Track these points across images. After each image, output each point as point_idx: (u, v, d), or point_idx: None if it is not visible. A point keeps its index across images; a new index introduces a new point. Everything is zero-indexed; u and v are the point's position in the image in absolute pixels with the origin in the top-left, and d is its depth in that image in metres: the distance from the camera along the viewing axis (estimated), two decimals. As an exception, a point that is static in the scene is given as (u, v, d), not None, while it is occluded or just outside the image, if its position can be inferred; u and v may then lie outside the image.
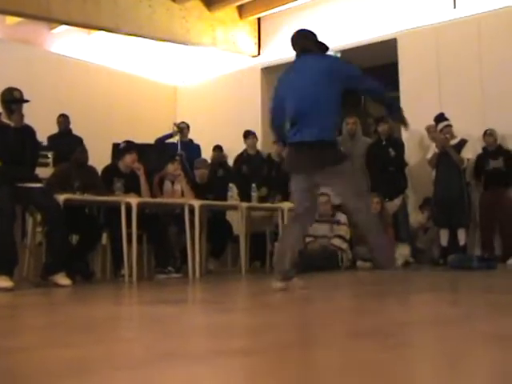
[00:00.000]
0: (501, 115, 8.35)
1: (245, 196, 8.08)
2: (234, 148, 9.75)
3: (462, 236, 8.04)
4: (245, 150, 9.19)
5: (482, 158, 8.28)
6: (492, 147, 8.21)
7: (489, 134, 8.16)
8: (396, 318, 2.94)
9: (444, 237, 8.16)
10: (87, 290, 5.58)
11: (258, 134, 9.71)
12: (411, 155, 9.00)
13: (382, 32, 9.80)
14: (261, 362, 1.83)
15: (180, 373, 1.68)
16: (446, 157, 8.11)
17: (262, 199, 8.25)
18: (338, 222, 7.85)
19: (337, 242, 7.71)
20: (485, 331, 2.41)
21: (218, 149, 9.69)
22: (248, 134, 9.22)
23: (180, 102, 12.28)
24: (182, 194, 7.42)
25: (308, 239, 7.82)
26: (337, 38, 10.27)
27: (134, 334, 2.65)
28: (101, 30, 9.85)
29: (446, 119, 8.25)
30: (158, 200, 7.13)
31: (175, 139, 9.08)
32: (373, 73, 10.73)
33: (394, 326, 2.61)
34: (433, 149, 8.35)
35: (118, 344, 2.29)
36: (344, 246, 7.74)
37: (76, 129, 8.98)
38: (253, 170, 8.87)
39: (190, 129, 9.43)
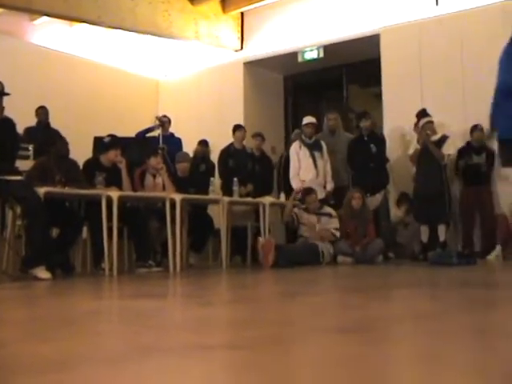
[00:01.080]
0: (482, 111, 8.39)
1: (229, 190, 8.08)
2: (215, 142, 9.74)
3: (441, 232, 8.09)
4: (231, 144, 9.14)
5: (464, 153, 8.32)
6: (478, 143, 8.24)
7: (479, 129, 8.14)
8: (377, 312, 2.94)
9: (424, 232, 8.22)
10: (67, 284, 5.54)
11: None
12: (392, 151, 9.04)
13: (365, 27, 9.83)
14: (242, 357, 1.83)
15: (160, 367, 1.67)
16: (427, 153, 8.15)
17: (247, 195, 8.28)
18: (330, 215, 7.87)
19: (335, 232, 7.80)
20: (463, 325, 2.43)
21: (203, 143, 9.66)
22: (238, 127, 9.18)
23: (162, 95, 12.25)
24: (164, 188, 7.40)
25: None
26: (320, 33, 10.30)
27: (114, 327, 2.63)
28: (83, 22, 9.78)
29: (428, 115, 8.30)
30: (139, 194, 7.10)
31: (156, 133, 9.05)
32: (355, 68, 10.85)
33: (374, 320, 2.62)
34: (414, 145, 8.39)
35: (98, 338, 2.28)
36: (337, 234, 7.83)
37: (56, 121, 8.91)
38: (238, 165, 8.84)
39: (172, 122, 9.39)
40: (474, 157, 8.25)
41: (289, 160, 8.71)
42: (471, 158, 8.26)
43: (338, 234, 7.77)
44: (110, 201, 6.18)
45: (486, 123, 8.25)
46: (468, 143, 8.36)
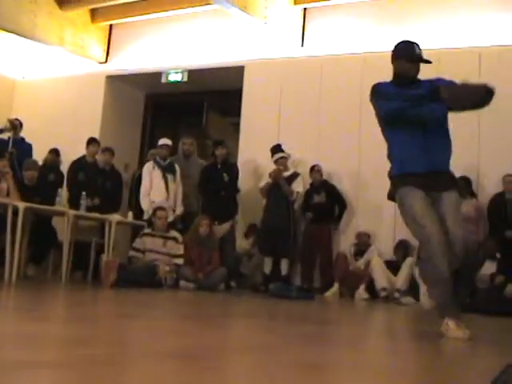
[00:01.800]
0: (332, 151, 8.81)
1: (76, 203, 7.88)
2: (68, 152, 9.48)
3: (284, 266, 8.32)
4: (83, 157, 8.91)
5: (308, 193, 8.66)
6: (317, 182, 8.61)
7: (316, 171, 8.57)
8: (211, 341, 2.98)
9: (267, 265, 8.41)
10: None
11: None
12: (245, 182, 9.20)
13: (231, 58, 9.99)
14: (67, 376, 1.79)
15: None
16: (278, 187, 8.39)
17: (93, 209, 8.07)
18: (176, 240, 7.81)
19: (179, 261, 7.68)
20: (293, 359, 2.50)
21: (54, 152, 9.34)
22: (92, 141, 8.95)
23: (17, 97, 11.82)
24: (8, 194, 7.11)
25: (132, 253, 7.75)
26: (187, 57, 10.36)
27: None
28: None
29: (282, 151, 8.56)
30: (-20, 197, 6.79)
31: (6, 135, 8.70)
32: (217, 96, 10.99)
33: (204, 349, 2.65)
34: (266, 178, 8.61)
35: None
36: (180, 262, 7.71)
37: None
38: (88, 178, 8.64)
39: (25, 127, 9.06)
40: (315, 196, 8.60)
41: (141, 179, 8.64)
42: (312, 198, 8.62)
43: (181, 261, 7.72)
44: None
45: (333, 163, 8.72)
46: (310, 184, 8.71)
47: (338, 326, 4.62)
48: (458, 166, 7.98)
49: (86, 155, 8.89)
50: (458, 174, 7.79)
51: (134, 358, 2.27)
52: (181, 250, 7.77)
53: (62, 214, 7.49)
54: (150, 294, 6.57)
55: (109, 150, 8.95)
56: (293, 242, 8.39)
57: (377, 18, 9.18)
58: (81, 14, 10.65)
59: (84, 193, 7.76)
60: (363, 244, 8.44)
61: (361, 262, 8.31)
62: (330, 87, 9.14)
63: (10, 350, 2.28)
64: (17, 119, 8.98)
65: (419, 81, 4.07)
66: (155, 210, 7.96)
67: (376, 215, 8.62)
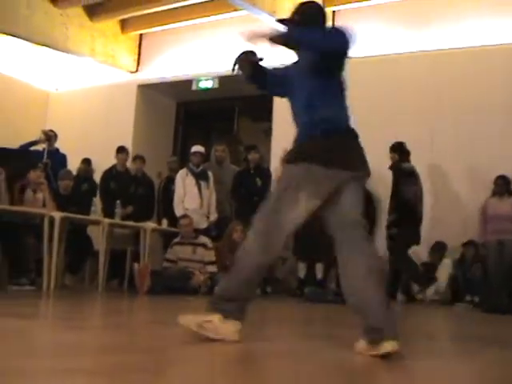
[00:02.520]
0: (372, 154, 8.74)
1: (109, 212, 7.97)
2: (101, 162, 9.57)
3: (319, 270, 8.27)
4: (113, 166, 9.01)
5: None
6: None
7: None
8: (249, 346, 2.97)
9: (302, 269, 8.37)
10: None
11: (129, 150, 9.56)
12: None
13: (261, 63, 9.96)
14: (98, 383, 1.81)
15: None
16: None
17: (126, 217, 8.15)
18: (205, 246, 7.81)
19: (211, 268, 7.68)
20: (331, 363, 2.50)
21: (86, 162, 9.48)
22: (121, 150, 9.05)
23: (51, 108, 11.97)
24: (44, 204, 7.21)
25: (166, 264, 7.79)
26: (216, 64, 10.37)
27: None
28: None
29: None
30: (18, 208, 6.88)
31: (41, 147, 8.83)
32: (248, 102, 11.00)
33: (244, 354, 2.65)
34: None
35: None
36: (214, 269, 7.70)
37: None
38: (120, 187, 8.72)
39: (59, 137, 9.18)
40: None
41: (169, 183, 8.71)
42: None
43: (214, 268, 7.70)
44: (-15, 214, 5.96)
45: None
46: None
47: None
48: (497, 165, 8.04)
49: (117, 164, 8.98)
50: (497, 173, 7.82)
51: (169, 365, 2.28)
52: (212, 256, 7.77)
53: (97, 222, 7.56)
54: (185, 300, 6.59)
55: (139, 158, 9.04)
56: (327, 245, 8.33)
57: (406, 18, 9.12)
58: (111, 24, 10.77)
59: (118, 201, 7.83)
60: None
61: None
62: (362, 89, 9.08)
63: (48, 358, 2.31)
64: (51, 130, 9.11)
65: None
66: (179, 218, 7.99)
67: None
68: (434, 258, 8.14)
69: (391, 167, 8.18)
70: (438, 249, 8.12)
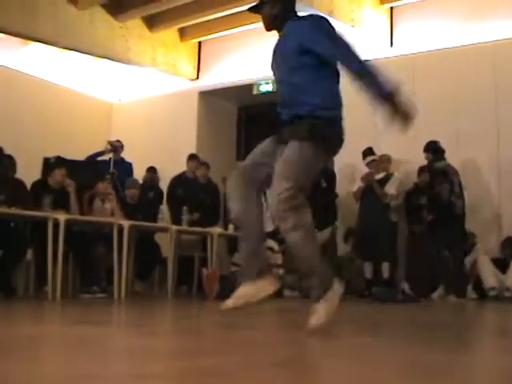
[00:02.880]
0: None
1: (177, 218, 8.05)
2: (166, 170, 9.70)
3: (385, 269, 8.18)
4: (183, 173, 9.13)
5: (411, 194, 8.45)
6: (423, 183, 8.38)
7: (426, 172, 8.32)
8: (316, 347, 2.96)
9: (367, 269, 8.29)
10: (8, 307, 5.43)
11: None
12: (342, 187, 9.13)
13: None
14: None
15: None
16: (371, 190, 8.29)
17: (193, 223, 8.22)
18: (272, 250, 7.82)
19: (279, 271, 7.68)
20: (402, 361, 2.45)
21: (151, 170, 9.62)
22: (192, 157, 9.18)
23: (115, 119, 12.18)
24: (112, 213, 7.34)
25: (233, 268, 7.82)
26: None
27: (53, 355, 2.59)
28: (38, 41, 9.68)
29: (373, 153, 8.46)
30: (87, 218, 7.03)
31: (108, 157, 9.00)
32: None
33: (314, 356, 2.64)
34: (357, 182, 8.55)
35: (35, 365, 2.24)
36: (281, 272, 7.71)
37: (6, 141, 8.75)
38: (188, 194, 8.81)
39: (124, 147, 9.35)
40: (421, 197, 8.37)
41: None
42: (418, 199, 8.39)
43: (281, 271, 7.69)
44: (56, 223, 6.10)
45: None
46: (415, 184, 8.49)
47: (448, 327, 4.50)
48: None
49: (186, 171, 9.08)
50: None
51: (241, 369, 2.28)
52: (278, 259, 7.76)
53: (164, 229, 7.65)
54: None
55: (204, 164, 9.12)
56: (391, 244, 8.24)
57: (464, 11, 8.96)
58: (170, 33, 10.90)
59: (185, 207, 7.91)
60: (468, 243, 8.19)
61: (467, 262, 8.08)
62: (423, 84, 8.96)
63: (122, 364, 2.34)
64: (118, 141, 9.26)
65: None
66: None
67: (480, 212, 8.37)
68: (506, 254, 7.96)
69: (425, 168, 8.16)
70: (509, 244, 7.94)
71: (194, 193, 8.85)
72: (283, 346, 3.07)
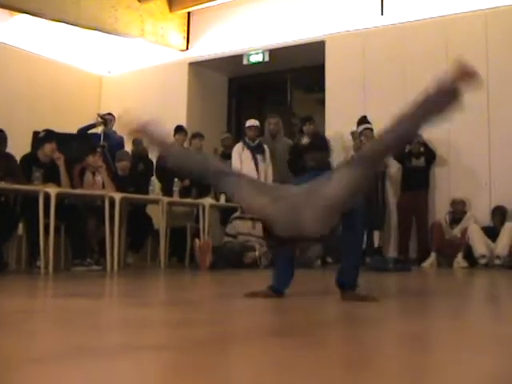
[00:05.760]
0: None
1: (167, 191, 8.03)
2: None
3: (376, 238, 8.22)
4: (171, 145, 9.07)
5: (404, 158, 8.43)
6: (417, 149, 8.37)
7: (416, 142, 8.30)
8: (310, 317, 2.97)
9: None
10: (0, 282, 5.43)
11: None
12: (334, 157, 9.12)
13: (310, 34, 9.91)
14: (174, 358, 1.83)
15: (91, 367, 1.66)
16: (363, 160, 8.29)
17: (184, 190, 8.20)
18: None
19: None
20: (397, 331, 2.47)
21: (136, 142, 9.47)
22: (179, 130, 9.10)
23: (105, 91, 12.09)
24: (103, 186, 7.32)
25: (226, 238, 7.85)
26: (266, 37, 10.34)
27: (48, 327, 2.60)
28: (24, 13, 9.57)
29: (367, 122, 8.44)
30: (78, 191, 6.99)
31: (98, 130, 8.95)
32: (300, 73, 10.94)
33: (308, 325, 2.65)
34: (351, 151, 8.56)
35: (29, 338, 2.24)
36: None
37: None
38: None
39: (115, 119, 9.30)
40: (413, 160, 8.39)
41: (223, 159, 8.75)
42: (410, 162, 8.40)
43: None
44: (47, 197, 6.08)
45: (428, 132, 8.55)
46: (408, 151, 8.48)
47: (439, 296, 4.53)
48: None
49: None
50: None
51: (236, 338, 2.29)
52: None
53: (156, 201, 7.65)
54: (246, 274, 6.63)
55: (199, 136, 9.08)
56: (382, 212, 8.28)
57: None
58: (159, 4, 10.78)
59: (176, 179, 7.89)
60: (459, 212, 8.24)
61: (457, 230, 8.13)
62: (414, 54, 8.93)
63: (116, 335, 2.34)
64: (109, 113, 9.21)
65: None
66: None
67: (471, 181, 8.40)
68: (496, 222, 8.00)
69: None
70: (499, 213, 7.99)
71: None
72: (278, 314, 3.08)
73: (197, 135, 9.11)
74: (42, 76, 10.83)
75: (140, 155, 9.12)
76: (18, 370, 1.62)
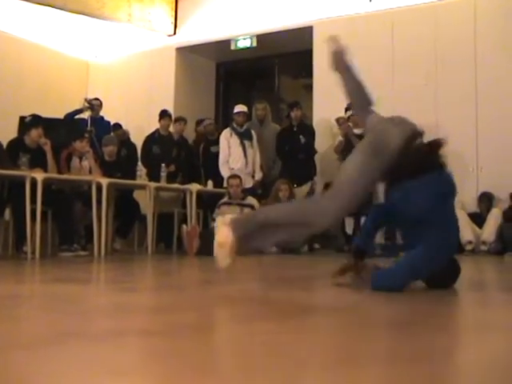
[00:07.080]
0: (411, 108, 8.60)
1: (154, 176, 8.03)
2: (145, 127, 9.65)
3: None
4: (157, 130, 9.06)
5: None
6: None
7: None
8: (296, 301, 2.99)
9: (349, 224, 8.34)
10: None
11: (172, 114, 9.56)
12: (321, 143, 9.14)
13: (298, 19, 9.89)
14: (159, 343, 1.84)
15: (79, 352, 1.67)
16: (351, 145, 8.30)
17: (170, 175, 8.19)
18: (252, 207, 7.84)
19: None
20: (380, 317, 2.49)
21: (116, 126, 9.40)
22: (164, 115, 9.06)
23: (92, 77, 12.02)
24: (90, 171, 7.30)
25: (214, 224, 7.85)
26: (253, 23, 10.31)
27: (35, 312, 2.60)
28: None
29: (355, 108, 8.45)
30: (65, 176, 6.98)
31: (85, 115, 8.92)
32: (288, 58, 10.93)
33: (295, 310, 2.67)
34: (338, 137, 8.57)
35: (15, 323, 2.24)
36: None
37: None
38: (163, 151, 8.77)
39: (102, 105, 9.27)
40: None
41: (208, 145, 8.77)
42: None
43: None
44: (34, 183, 6.06)
45: (410, 114, 8.56)
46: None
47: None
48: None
49: (160, 129, 9.01)
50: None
51: (222, 323, 2.31)
52: None
53: (143, 187, 7.64)
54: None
55: (182, 119, 9.07)
56: (371, 198, 8.30)
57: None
58: (146, -12, 10.72)
59: (163, 165, 7.88)
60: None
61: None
62: (403, 40, 8.94)
63: (101, 319, 2.35)
64: (96, 99, 9.20)
65: None
66: (228, 178, 8.02)
67: (457, 167, 8.42)
68: (482, 209, 8.05)
69: None
70: (486, 199, 8.03)
71: (170, 150, 8.80)
72: (263, 300, 3.10)
73: (178, 119, 9.11)
74: (29, 61, 10.74)
75: (121, 140, 9.03)
76: (5, 355, 1.62)
